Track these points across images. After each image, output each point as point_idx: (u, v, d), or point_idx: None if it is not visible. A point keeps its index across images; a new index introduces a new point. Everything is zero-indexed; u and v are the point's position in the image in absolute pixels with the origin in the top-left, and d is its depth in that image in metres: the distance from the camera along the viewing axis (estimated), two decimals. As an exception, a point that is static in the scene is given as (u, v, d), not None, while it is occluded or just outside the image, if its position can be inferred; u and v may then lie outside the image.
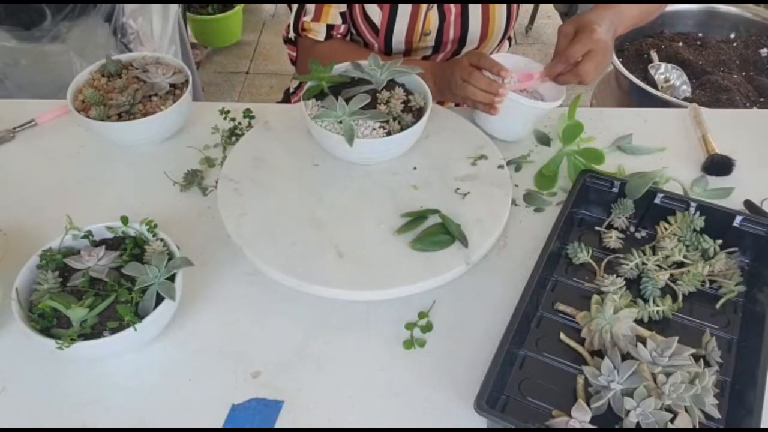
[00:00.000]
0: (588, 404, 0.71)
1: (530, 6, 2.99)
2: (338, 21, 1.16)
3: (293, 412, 0.76)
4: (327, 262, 0.86)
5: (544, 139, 1.08)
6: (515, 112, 1.02)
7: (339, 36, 1.19)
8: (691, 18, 1.90)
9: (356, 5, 1.16)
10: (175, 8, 1.79)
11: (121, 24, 1.63)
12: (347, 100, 0.94)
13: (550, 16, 3.04)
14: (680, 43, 1.84)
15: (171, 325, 0.82)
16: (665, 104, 1.53)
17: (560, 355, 0.79)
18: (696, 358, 0.75)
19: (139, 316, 0.76)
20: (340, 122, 0.94)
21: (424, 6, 1.16)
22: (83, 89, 1.07)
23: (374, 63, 1.00)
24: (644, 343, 0.75)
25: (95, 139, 1.09)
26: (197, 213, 0.98)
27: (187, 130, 1.12)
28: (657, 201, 0.92)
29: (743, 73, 1.75)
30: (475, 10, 1.18)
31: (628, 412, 0.70)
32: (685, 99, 1.65)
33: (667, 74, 1.73)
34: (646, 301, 0.83)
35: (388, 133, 0.95)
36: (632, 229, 0.94)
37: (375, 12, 1.16)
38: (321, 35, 1.17)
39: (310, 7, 1.16)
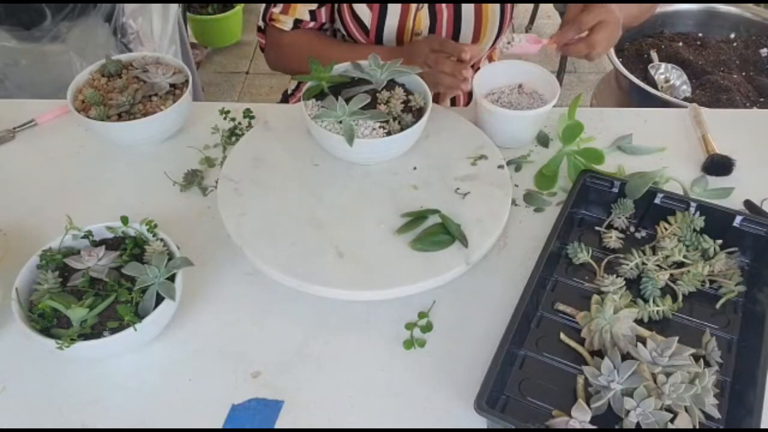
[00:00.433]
0: (588, 404, 0.71)
1: (530, 6, 2.99)
2: (306, 17, 1.17)
3: (293, 412, 0.76)
4: (327, 262, 0.86)
5: (544, 139, 1.08)
6: (514, 122, 1.02)
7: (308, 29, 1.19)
8: (691, 18, 1.90)
9: (344, 4, 1.16)
10: (175, 8, 1.79)
11: (121, 24, 1.63)
12: (347, 100, 0.94)
13: (550, 16, 3.03)
14: (680, 43, 1.84)
15: (171, 325, 0.82)
16: (665, 104, 1.53)
17: (560, 355, 0.79)
18: (696, 358, 0.75)
19: (139, 316, 0.76)
20: (340, 122, 0.94)
21: (414, 5, 1.15)
22: (83, 89, 1.07)
23: (374, 63, 1.00)
24: (644, 343, 0.75)
25: (95, 139, 1.09)
26: (197, 213, 0.98)
27: (187, 130, 1.11)
28: (657, 201, 0.92)
29: (743, 73, 1.75)
30: (468, 11, 1.17)
31: (628, 412, 0.70)
32: (685, 99, 1.65)
33: (667, 74, 1.73)
34: (646, 301, 0.83)
35: (388, 133, 0.95)
36: (632, 229, 0.94)
37: (365, 12, 1.15)
38: (287, 27, 1.18)
39: None
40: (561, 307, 0.83)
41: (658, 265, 0.87)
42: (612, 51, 1.76)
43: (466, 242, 0.87)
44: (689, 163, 1.05)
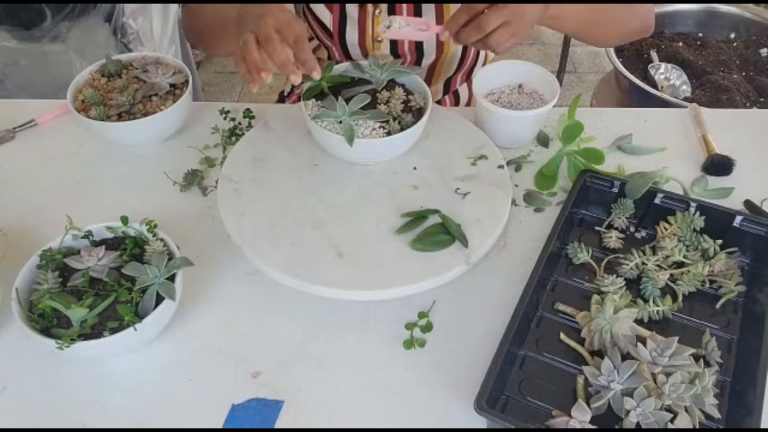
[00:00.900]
0: (588, 404, 0.71)
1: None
2: None
3: (293, 412, 0.76)
4: (327, 262, 0.86)
5: (544, 139, 1.08)
6: (514, 122, 1.03)
7: None
8: (691, 18, 1.91)
9: (304, 5, 1.13)
10: (175, 8, 1.79)
11: (121, 24, 1.64)
12: (347, 100, 0.94)
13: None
14: (680, 43, 1.84)
15: (171, 325, 0.82)
16: (665, 104, 1.54)
17: (560, 355, 0.79)
18: (696, 358, 0.75)
19: (139, 316, 0.76)
20: (340, 122, 0.94)
21: (370, 10, 1.11)
22: (83, 89, 1.07)
23: (374, 63, 1.00)
24: (644, 343, 0.75)
25: (95, 139, 1.09)
26: (197, 213, 0.98)
27: (187, 130, 1.11)
28: (657, 201, 0.92)
29: (743, 73, 1.75)
30: (428, 12, 1.09)
31: (628, 412, 0.70)
32: (685, 99, 1.65)
33: (667, 74, 1.74)
34: (646, 301, 0.83)
35: (388, 133, 0.95)
36: (632, 229, 0.94)
37: (324, 14, 1.13)
38: None
39: None
40: (561, 307, 0.83)
41: (658, 265, 0.87)
42: (612, 51, 1.76)
43: (466, 242, 0.87)
44: (689, 163, 1.05)
